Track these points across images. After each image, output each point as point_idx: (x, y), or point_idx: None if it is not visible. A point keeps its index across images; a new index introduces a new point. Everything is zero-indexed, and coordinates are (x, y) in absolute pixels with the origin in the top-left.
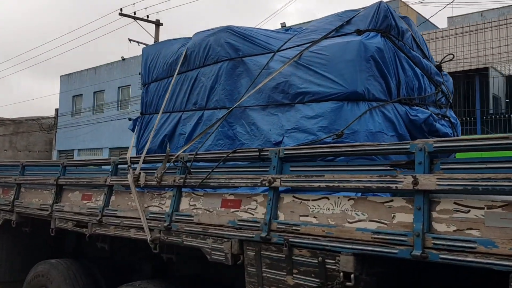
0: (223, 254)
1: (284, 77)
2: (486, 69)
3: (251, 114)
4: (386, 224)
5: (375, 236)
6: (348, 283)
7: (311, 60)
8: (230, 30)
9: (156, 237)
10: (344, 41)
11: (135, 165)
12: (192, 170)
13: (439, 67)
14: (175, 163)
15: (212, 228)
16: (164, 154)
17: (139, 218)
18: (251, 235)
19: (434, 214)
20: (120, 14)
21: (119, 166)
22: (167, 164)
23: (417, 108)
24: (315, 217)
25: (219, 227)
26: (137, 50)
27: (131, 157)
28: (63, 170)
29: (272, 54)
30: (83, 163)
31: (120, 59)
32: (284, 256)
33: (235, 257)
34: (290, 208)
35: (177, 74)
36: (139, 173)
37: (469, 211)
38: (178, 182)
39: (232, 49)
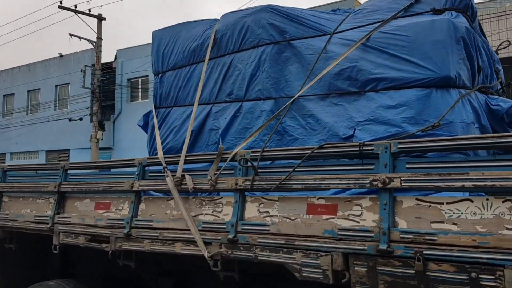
0: (320, 271)
1: (350, 62)
2: None
3: (307, 105)
4: None
5: None
6: None
7: (384, 42)
8: (272, 9)
9: (217, 252)
10: (427, 19)
11: (170, 167)
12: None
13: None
14: (240, 163)
15: (300, 240)
16: (204, 153)
17: (187, 230)
18: (361, 247)
19: None
20: (60, 7)
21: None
22: (223, 164)
23: (495, 97)
24: (454, 224)
25: (310, 238)
26: (78, 46)
27: (164, 157)
28: (64, 174)
29: (329, 36)
30: (95, 165)
31: (58, 55)
32: (414, 272)
33: (338, 274)
34: (413, 213)
35: (204, 61)
36: (182, 176)
37: None
38: (242, 185)
39: (276, 31)
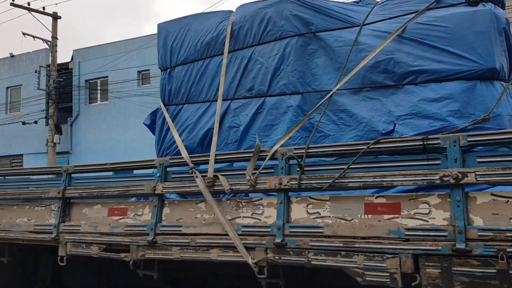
0: (387, 274)
1: (386, 54)
2: None
3: (339, 100)
4: None
5: None
6: None
7: (422, 33)
8: (296, 0)
9: (263, 258)
10: (468, 10)
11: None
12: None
13: None
14: (286, 161)
15: (361, 242)
16: (237, 152)
17: (224, 235)
18: (434, 248)
19: None
20: (12, 4)
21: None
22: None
23: None
24: None
25: (373, 239)
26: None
27: (190, 157)
28: (68, 178)
29: (359, 28)
30: (106, 168)
31: (9, 55)
32: (495, 271)
33: (407, 277)
34: (490, 209)
35: (219, 55)
36: (214, 177)
37: None
38: (288, 185)
39: (301, 23)
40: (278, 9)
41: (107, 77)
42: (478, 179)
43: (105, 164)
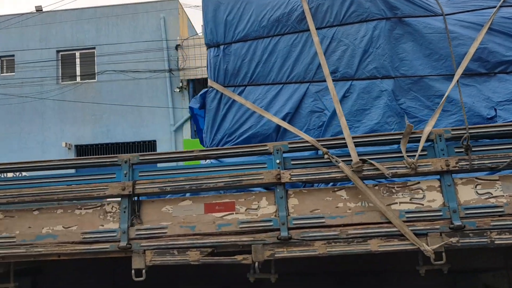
0: None
1: (480, 44)
2: None
3: (435, 85)
4: None
5: None
6: None
7: (509, 27)
8: None
9: (442, 243)
10: None
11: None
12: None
13: None
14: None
15: None
16: (380, 134)
17: (383, 223)
18: None
19: None
20: None
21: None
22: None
23: None
24: None
25: None
26: None
27: (317, 140)
28: (131, 170)
29: (442, 17)
30: (191, 156)
31: None
32: None
33: None
34: None
35: (293, 33)
36: (359, 161)
37: None
38: (457, 166)
39: (387, 7)
40: None
41: None
42: None
43: (192, 151)
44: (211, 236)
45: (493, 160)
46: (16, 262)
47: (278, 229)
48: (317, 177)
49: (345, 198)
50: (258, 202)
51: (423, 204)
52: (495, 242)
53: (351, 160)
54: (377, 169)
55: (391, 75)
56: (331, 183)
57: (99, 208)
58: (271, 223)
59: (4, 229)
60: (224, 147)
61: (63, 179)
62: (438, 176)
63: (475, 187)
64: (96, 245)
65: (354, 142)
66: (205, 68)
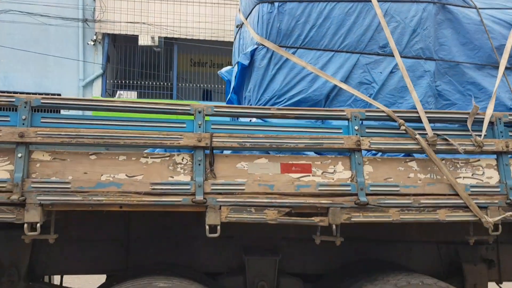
0: None
1: (506, 39)
2: None
3: (468, 72)
4: None
5: None
6: None
7: None
8: None
9: (502, 216)
10: None
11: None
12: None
13: None
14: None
15: None
16: (448, 111)
17: (452, 195)
18: None
19: None
20: None
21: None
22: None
23: None
24: None
25: None
26: None
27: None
28: (205, 122)
29: (476, 10)
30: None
31: None
32: None
33: None
34: None
35: (348, 2)
36: (435, 135)
37: None
38: None
39: None
40: None
41: None
42: None
43: (269, 109)
44: (289, 196)
45: None
46: (58, 211)
47: (356, 194)
48: (394, 147)
49: (415, 169)
50: (334, 166)
51: (482, 180)
52: None
53: (424, 134)
54: (448, 144)
55: (434, 57)
56: (402, 154)
57: (167, 158)
58: (349, 188)
59: (53, 173)
60: (296, 107)
61: (130, 124)
62: (495, 156)
63: None
64: (166, 198)
65: (431, 116)
66: (124, 24)
